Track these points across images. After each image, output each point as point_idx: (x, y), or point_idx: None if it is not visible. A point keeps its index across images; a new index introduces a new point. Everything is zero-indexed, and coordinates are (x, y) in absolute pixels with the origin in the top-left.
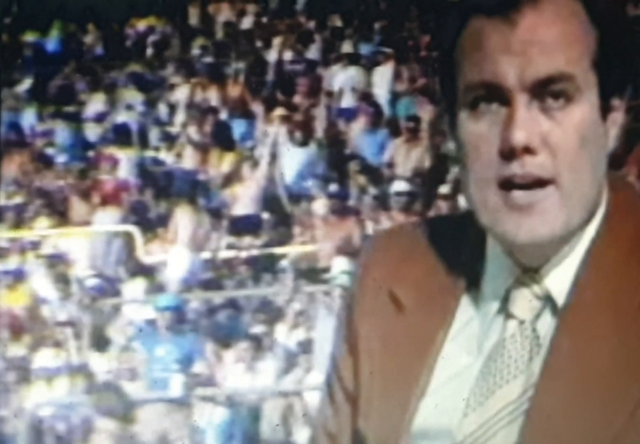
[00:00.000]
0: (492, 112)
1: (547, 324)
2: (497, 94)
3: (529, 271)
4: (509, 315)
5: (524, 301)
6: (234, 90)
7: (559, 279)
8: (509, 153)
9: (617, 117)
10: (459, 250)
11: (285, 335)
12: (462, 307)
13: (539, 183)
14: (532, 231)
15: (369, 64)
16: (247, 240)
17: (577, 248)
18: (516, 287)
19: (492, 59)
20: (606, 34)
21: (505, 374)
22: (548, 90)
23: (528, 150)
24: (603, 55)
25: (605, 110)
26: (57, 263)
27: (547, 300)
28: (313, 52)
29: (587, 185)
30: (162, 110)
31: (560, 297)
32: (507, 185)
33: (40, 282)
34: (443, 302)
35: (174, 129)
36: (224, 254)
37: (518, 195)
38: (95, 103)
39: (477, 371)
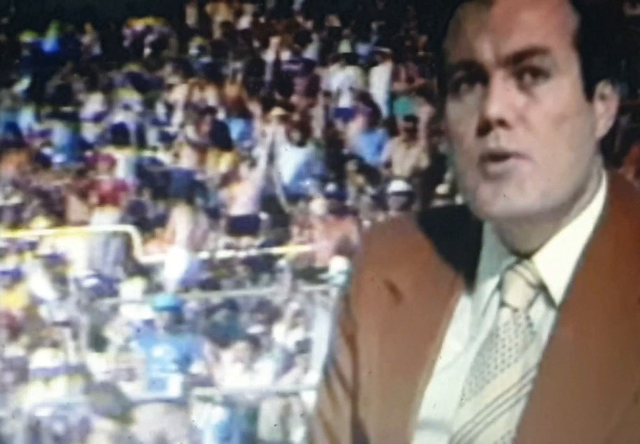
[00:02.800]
0: (471, 93)
1: (540, 312)
2: (475, 73)
3: (522, 259)
4: (502, 303)
5: (518, 290)
6: (232, 90)
7: (553, 267)
8: (484, 127)
9: (610, 106)
10: (456, 239)
11: (283, 335)
12: (461, 296)
13: (514, 156)
14: (508, 201)
15: (367, 64)
16: (245, 240)
17: (572, 238)
18: (509, 275)
19: (468, 38)
20: (588, 15)
21: (500, 363)
22: (525, 66)
23: (502, 123)
24: (585, 36)
25: (590, 92)
26: (54, 263)
27: (540, 288)
28: (311, 52)
29: (566, 162)
30: (160, 110)
31: (553, 286)
32: (484, 160)
33: (38, 282)
34: (442, 291)
35: (172, 129)
36: (222, 254)
37: (492, 165)
38: (93, 103)
39: (472, 360)
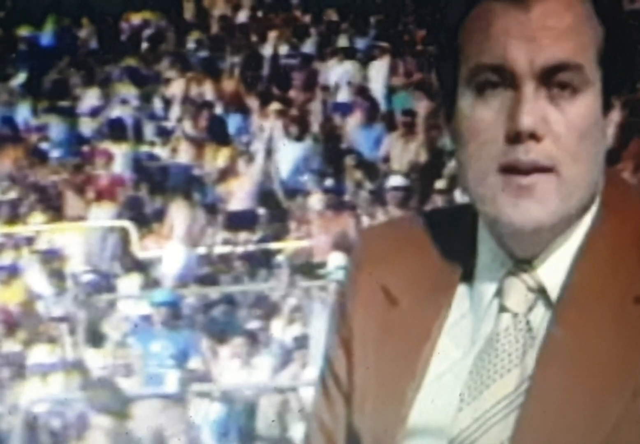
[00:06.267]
0: (497, 97)
1: (540, 316)
2: (505, 79)
3: (521, 263)
4: (502, 308)
5: (518, 294)
6: (229, 85)
7: (552, 271)
8: (514, 138)
9: (615, 116)
10: (452, 243)
11: (281, 331)
12: (457, 301)
13: (540, 170)
14: (528, 213)
15: (365, 58)
16: (242, 235)
17: (570, 241)
18: (509, 279)
19: (502, 43)
20: (612, 29)
21: (500, 368)
22: (556, 79)
23: (533, 136)
24: (609, 51)
25: (606, 107)
26: (51, 258)
27: (540, 292)
28: (309, 46)
29: (585, 177)
30: (157, 104)
31: (553, 289)
32: (508, 170)
33: (35, 278)
34: (437, 296)
35: (169, 124)
36: (220, 249)
37: (518, 178)
38: (90, 98)
39: (471, 365)
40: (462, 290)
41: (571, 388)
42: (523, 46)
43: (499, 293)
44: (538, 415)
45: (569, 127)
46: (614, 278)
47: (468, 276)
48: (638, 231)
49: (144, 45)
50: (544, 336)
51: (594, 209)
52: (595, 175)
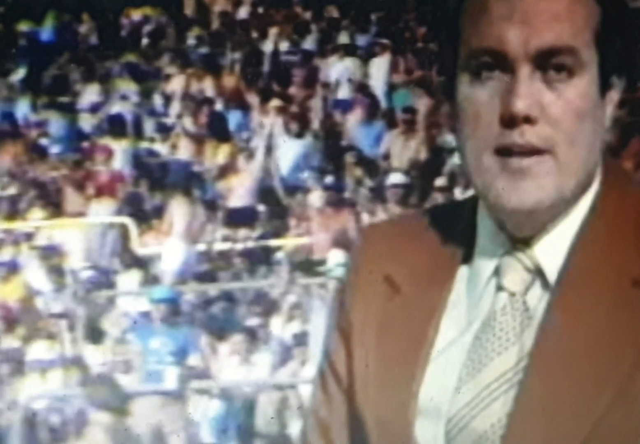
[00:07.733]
0: (494, 80)
1: (537, 296)
2: (501, 62)
3: (519, 243)
4: (499, 288)
5: (515, 274)
6: (230, 81)
7: (550, 252)
8: (509, 122)
9: (614, 95)
10: (452, 232)
11: (280, 328)
12: (457, 283)
13: (536, 152)
14: (524, 195)
15: (366, 55)
16: (242, 232)
17: (568, 222)
18: (506, 259)
19: (497, 26)
20: (608, 9)
21: (497, 346)
22: (551, 62)
23: (528, 120)
24: (605, 32)
25: (604, 87)
26: (51, 254)
27: (537, 272)
28: (309, 43)
29: (582, 158)
30: (157, 100)
31: (550, 270)
32: (504, 152)
33: (34, 274)
34: (438, 279)
35: (169, 120)
36: (219, 246)
37: (514, 160)
38: (90, 94)
39: (469, 345)
40: (462, 272)
41: (568, 367)
42: (517, 30)
43: (497, 272)
44: (536, 393)
45: (566, 109)
46: (611, 260)
47: (468, 259)
48: (636, 215)
49: (144, 41)
50: (542, 316)
51: (593, 191)
52: (593, 155)
